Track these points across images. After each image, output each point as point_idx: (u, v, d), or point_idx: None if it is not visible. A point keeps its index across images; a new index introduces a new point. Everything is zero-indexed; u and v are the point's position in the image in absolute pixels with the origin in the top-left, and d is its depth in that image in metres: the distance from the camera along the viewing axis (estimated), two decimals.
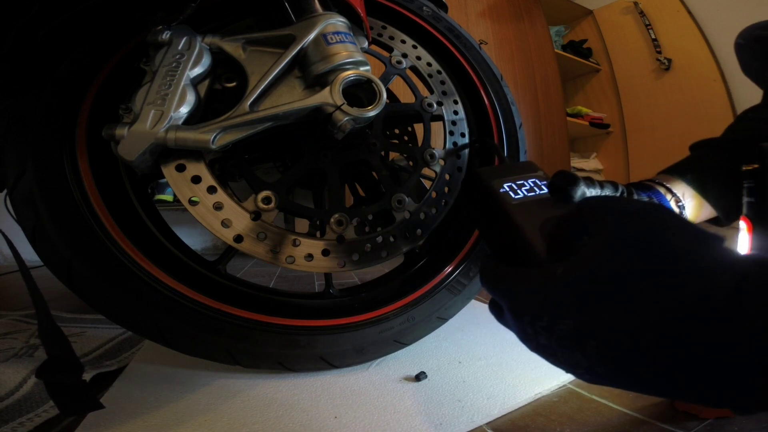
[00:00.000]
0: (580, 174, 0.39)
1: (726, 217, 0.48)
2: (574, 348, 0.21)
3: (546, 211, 0.30)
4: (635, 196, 0.40)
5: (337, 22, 0.45)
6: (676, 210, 0.44)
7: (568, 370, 0.23)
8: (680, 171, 0.48)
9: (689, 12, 1.98)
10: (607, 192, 0.37)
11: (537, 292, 0.23)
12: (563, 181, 0.33)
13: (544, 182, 0.34)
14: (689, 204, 0.46)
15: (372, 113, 0.45)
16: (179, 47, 0.43)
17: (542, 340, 0.23)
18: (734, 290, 0.18)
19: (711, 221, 0.50)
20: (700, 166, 0.48)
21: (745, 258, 0.19)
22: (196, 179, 0.44)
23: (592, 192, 0.34)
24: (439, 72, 0.63)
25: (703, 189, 0.47)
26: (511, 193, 0.32)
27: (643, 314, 0.19)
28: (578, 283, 0.21)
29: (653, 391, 0.21)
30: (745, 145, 0.44)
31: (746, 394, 0.18)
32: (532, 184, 0.33)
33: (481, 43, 0.97)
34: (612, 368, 0.21)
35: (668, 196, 0.44)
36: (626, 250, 0.21)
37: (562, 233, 0.26)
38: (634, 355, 0.19)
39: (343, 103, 0.43)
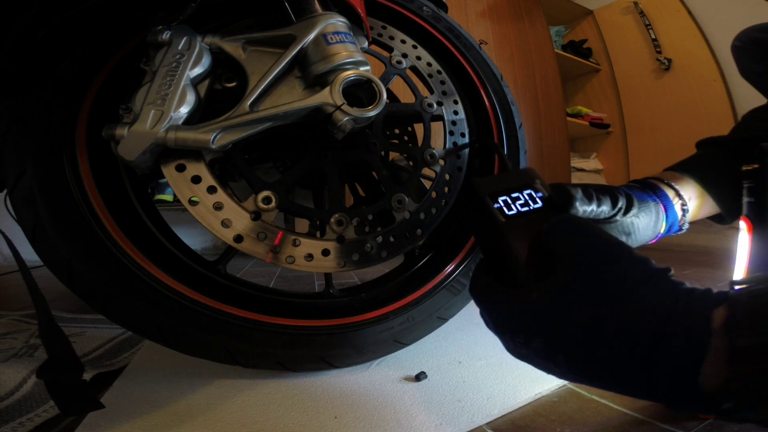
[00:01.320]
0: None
1: (728, 215, 0.48)
2: (547, 360, 0.26)
3: (537, 228, 0.31)
4: (636, 205, 0.40)
5: (337, 22, 0.45)
6: (680, 212, 0.45)
7: (548, 373, 0.28)
8: (687, 168, 0.48)
9: (689, 12, 1.98)
10: (605, 208, 0.37)
11: (514, 315, 0.28)
12: (559, 198, 0.34)
13: (540, 194, 0.34)
14: (692, 204, 0.46)
15: (372, 113, 0.45)
16: (179, 47, 0.43)
17: (522, 351, 0.28)
18: (663, 324, 0.22)
19: (713, 218, 0.50)
20: (706, 164, 0.49)
21: (679, 291, 0.24)
22: (196, 179, 0.44)
23: (586, 209, 0.35)
24: (439, 72, 0.63)
25: (708, 187, 0.47)
26: (504, 208, 0.33)
27: (596, 340, 0.24)
28: (545, 309, 0.26)
29: (617, 392, 0.25)
30: (751, 144, 0.44)
31: (679, 401, 0.23)
32: (527, 197, 0.34)
33: (481, 43, 0.97)
34: (580, 376, 0.26)
35: (675, 199, 0.44)
36: (584, 285, 0.25)
37: (538, 253, 0.29)
38: (594, 368, 0.24)
39: (343, 103, 0.43)
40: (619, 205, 0.39)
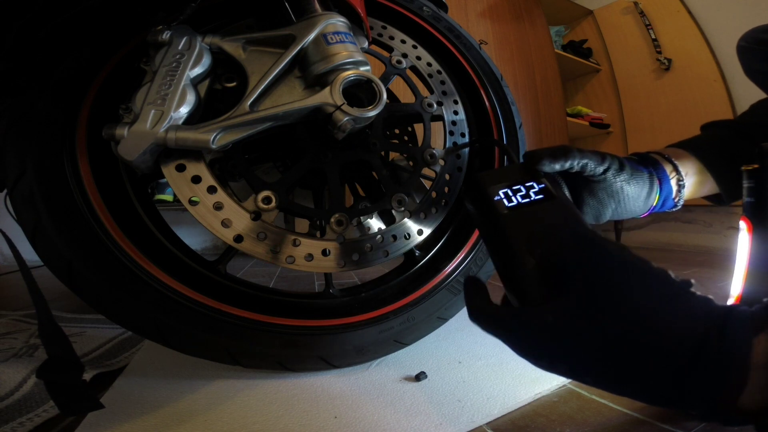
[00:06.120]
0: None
1: (727, 196, 0.48)
2: (576, 378, 0.25)
3: (537, 218, 0.32)
4: (627, 171, 0.40)
5: (337, 22, 0.45)
6: (675, 188, 0.44)
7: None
8: (690, 145, 0.48)
9: (689, 12, 1.97)
10: (588, 163, 0.38)
11: (531, 341, 0.26)
12: (529, 161, 0.36)
13: (542, 186, 0.34)
14: (690, 181, 0.46)
15: (372, 113, 0.45)
16: (179, 47, 0.43)
17: (549, 369, 0.26)
18: (694, 355, 0.21)
19: (712, 198, 0.50)
20: (710, 143, 0.48)
21: (710, 314, 0.22)
22: (196, 179, 0.44)
23: (555, 166, 0.36)
24: (439, 72, 0.63)
25: (709, 165, 0.46)
26: (505, 200, 0.33)
27: (622, 365, 0.23)
28: (562, 334, 0.24)
29: (651, 405, 0.25)
30: (758, 128, 0.44)
31: (714, 420, 0.23)
32: (528, 189, 0.34)
33: (481, 43, 0.97)
34: (612, 392, 0.25)
35: (672, 174, 0.44)
36: (600, 306, 0.24)
37: (546, 269, 0.28)
38: (624, 389, 0.24)
39: (343, 103, 0.43)
40: (607, 163, 0.39)
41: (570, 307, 0.25)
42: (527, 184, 0.34)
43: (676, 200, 0.45)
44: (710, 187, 0.48)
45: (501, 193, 0.34)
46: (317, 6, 0.46)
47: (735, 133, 0.49)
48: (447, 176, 0.57)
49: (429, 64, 0.63)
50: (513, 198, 0.33)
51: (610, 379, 0.24)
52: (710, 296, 0.23)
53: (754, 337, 0.21)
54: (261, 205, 0.46)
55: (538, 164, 0.35)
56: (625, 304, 0.23)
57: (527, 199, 0.33)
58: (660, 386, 0.22)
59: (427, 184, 0.61)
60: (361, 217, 0.55)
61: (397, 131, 0.83)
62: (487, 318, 0.29)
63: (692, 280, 0.24)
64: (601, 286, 0.24)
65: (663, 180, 0.43)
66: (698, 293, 0.23)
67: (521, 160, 0.39)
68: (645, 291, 0.24)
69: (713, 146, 0.48)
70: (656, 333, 0.22)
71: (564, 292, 0.25)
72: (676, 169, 0.45)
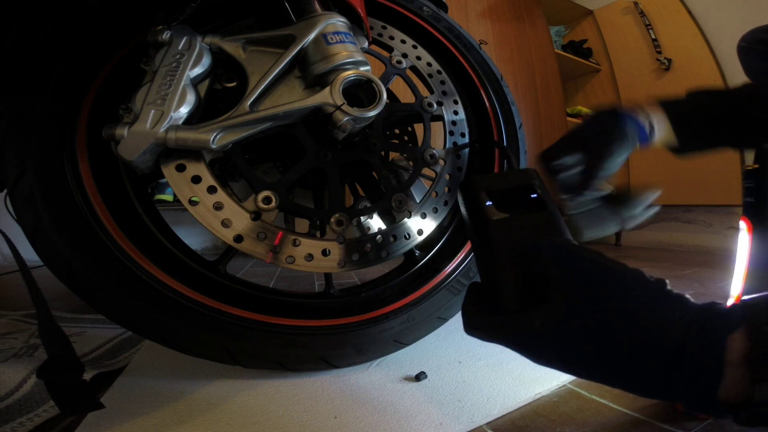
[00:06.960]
0: None
1: (683, 146, 0.49)
2: (570, 373, 0.27)
3: (522, 228, 0.32)
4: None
5: (337, 22, 0.45)
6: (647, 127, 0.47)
7: None
8: (665, 103, 0.50)
9: (689, 12, 1.97)
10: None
11: (526, 345, 0.28)
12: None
13: (534, 195, 0.34)
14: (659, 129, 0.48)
15: (372, 113, 0.45)
16: (179, 47, 0.43)
17: (548, 366, 0.28)
18: (676, 353, 0.22)
19: (672, 148, 0.52)
20: (683, 101, 0.51)
21: (689, 313, 0.23)
22: (196, 179, 0.44)
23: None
24: (439, 72, 0.63)
25: (673, 119, 0.49)
26: (495, 207, 0.33)
27: (610, 362, 0.24)
28: (551, 337, 0.26)
29: (644, 397, 0.26)
30: (740, 94, 0.46)
31: (700, 410, 0.25)
32: (520, 197, 0.34)
33: (481, 43, 0.97)
34: (604, 382, 0.26)
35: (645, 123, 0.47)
36: (584, 310, 0.25)
37: (530, 277, 0.29)
38: (615, 382, 0.25)
39: (343, 103, 0.43)
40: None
41: (553, 311, 0.26)
42: (520, 192, 0.34)
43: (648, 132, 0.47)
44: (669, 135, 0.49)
45: (493, 199, 0.33)
46: (317, 6, 0.46)
47: (714, 92, 0.50)
48: (447, 176, 0.57)
49: (429, 64, 0.63)
50: (503, 205, 0.33)
51: (600, 374, 0.25)
52: (686, 294, 0.25)
53: (729, 335, 0.22)
54: (261, 205, 0.46)
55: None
56: (602, 305, 0.25)
57: (517, 208, 0.33)
58: (646, 380, 0.23)
59: (427, 184, 0.62)
60: (361, 217, 0.56)
61: (397, 131, 0.83)
62: (479, 329, 0.31)
63: (666, 280, 0.25)
64: (579, 289, 0.26)
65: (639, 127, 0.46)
66: (674, 291, 0.25)
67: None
68: (621, 291, 0.25)
69: (681, 104, 0.50)
70: (639, 333, 0.23)
71: (546, 298, 0.27)
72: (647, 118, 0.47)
